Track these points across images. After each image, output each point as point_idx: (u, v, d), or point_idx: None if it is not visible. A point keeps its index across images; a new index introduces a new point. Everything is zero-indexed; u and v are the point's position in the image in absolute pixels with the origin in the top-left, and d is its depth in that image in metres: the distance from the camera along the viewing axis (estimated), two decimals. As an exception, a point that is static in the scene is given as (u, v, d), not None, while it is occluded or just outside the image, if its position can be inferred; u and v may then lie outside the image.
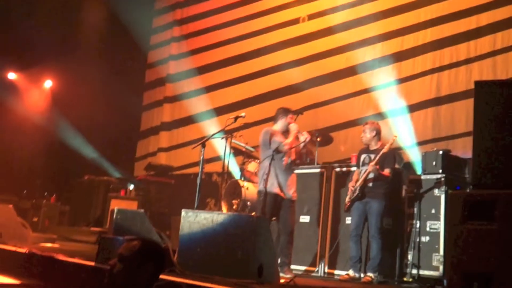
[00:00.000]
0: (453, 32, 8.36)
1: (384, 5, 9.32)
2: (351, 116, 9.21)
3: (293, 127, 6.20)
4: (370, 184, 5.92)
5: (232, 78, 11.51)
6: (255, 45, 11.23)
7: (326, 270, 6.18)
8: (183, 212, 5.21)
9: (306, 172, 6.71)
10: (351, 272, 5.78)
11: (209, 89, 11.82)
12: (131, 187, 10.71)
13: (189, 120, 12.01)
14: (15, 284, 5.08)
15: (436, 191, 5.91)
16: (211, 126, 10.38)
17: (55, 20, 12.38)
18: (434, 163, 6.11)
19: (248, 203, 7.82)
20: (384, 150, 5.93)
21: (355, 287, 4.99)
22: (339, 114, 9.42)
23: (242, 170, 8.34)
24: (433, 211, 5.87)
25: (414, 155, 7.93)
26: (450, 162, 6.13)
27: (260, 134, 6.33)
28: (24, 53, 12.62)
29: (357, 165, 6.19)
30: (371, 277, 5.62)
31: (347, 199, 6.00)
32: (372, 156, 6.00)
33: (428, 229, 5.84)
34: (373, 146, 6.13)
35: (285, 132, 6.26)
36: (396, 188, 6.25)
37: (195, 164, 9.62)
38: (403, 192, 6.23)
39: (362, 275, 5.75)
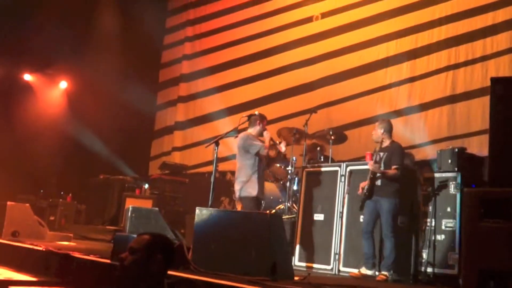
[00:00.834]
0: (469, 29, 8.29)
1: (398, 2, 9.27)
2: (365, 114, 9.18)
3: (267, 133, 6.66)
4: (378, 183, 5.89)
5: (245, 77, 11.52)
6: (268, 44, 11.23)
7: (340, 268, 6.16)
8: (197, 210, 5.24)
9: (320, 170, 6.69)
10: (363, 270, 5.77)
11: (223, 88, 11.85)
12: (146, 186, 10.77)
13: (202, 119, 12.05)
14: (32, 281, 5.14)
15: (451, 189, 5.87)
16: (224, 125, 10.40)
17: (70, 21, 12.46)
18: (449, 161, 6.07)
19: (262, 201, 7.84)
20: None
21: (370, 285, 4.96)
22: (353, 112, 9.39)
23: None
24: (448, 209, 5.83)
25: (429, 153, 7.89)
26: (465, 160, 6.08)
27: (238, 139, 6.63)
28: (39, 55, 12.73)
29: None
30: (385, 275, 5.60)
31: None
32: (382, 154, 5.97)
33: (443, 227, 5.80)
34: (384, 144, 6.10)
35: (259, 138, 6.67)
36: (411, 186, 6.22)
37: (209, 163, 9.65)
38: (418, 191, 6.19)
39: (376, 272, 5.73)
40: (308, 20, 10.69)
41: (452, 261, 5.58)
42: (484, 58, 8.05)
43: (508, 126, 3.67)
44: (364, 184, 5.96)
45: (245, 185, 6.41)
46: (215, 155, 6.56)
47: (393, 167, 5.84)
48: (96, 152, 12.47)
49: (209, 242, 4.81)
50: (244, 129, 8.00)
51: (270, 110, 10.23)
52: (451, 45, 8.46)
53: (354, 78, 9.58)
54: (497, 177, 3.63)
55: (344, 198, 6.43)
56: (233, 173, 9.53)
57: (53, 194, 11.75)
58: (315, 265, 6.32)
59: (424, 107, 8.53)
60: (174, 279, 2.91)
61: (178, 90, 13.19)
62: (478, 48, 8.15)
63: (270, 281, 4.07)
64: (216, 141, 6.40)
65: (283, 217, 6.43)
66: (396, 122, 8.74)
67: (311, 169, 6.93)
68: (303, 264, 6.48)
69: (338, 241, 6.29)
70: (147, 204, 9.53)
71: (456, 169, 5.96)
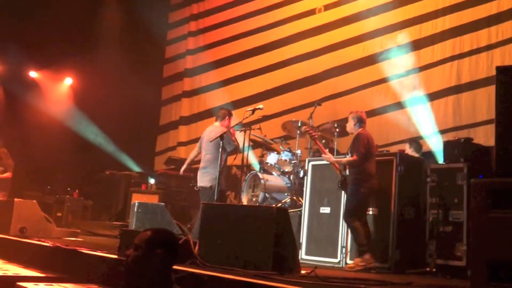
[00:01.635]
0: (473, 18, 8.24)
1: (401, -8, 9.22)
2: (369, 106, 9.13)
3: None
4: (347, 172, 6.08)
5: (249, 71, 11.50)
6: (271, 37, 11.19)
7: (348, 261, 6.15)
8: (203, 205, 5.24)
9: (326, 163, 6.67)
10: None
11: (227, 82, 11.84)
12: (152, 181, 10.80)
13: (207, 114, 12.04)
14: (40, 277, 5.16)
15: (458, 180, 5.83)
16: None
17: (73, 18, 12.47)
18: (455, 151, 6.03)
19: (267, 195, 7.84)
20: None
21: (375, 277, 4.95)
22: (358, 105, 9.30)
23: (261, 162, 8.35)
24: (455, 200, 5.79)
25: (435, 144, 7.86)
26: (472, 151, 6.04)
27: (219, 132, 6.91)
28: (44, 52, 12.75)
29: None
30: (352, 264, 5.78)
31: None
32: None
33: (451, 218, 5.76)
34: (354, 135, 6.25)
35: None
36: (417, 177, 6.20)
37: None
38: (425, 182, 6.16)
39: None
40: (311, 12, 10.64)
41: (460, 253, 5.55)
42: (489, 47, 8.00)
43: (514, 115, 3.63)
44: None
45: (217, 176, 6.77)
46: (220, 150, 6.57)
47: (354, 154, 5.97)
48: (102, 148, 12.50)
49: (215, 237, 4.81)
50: (249, 123, 8.03)
51: (275, 104, 10.24)
52: (455, 35, 8.41)
53: (358, 69, 9.54)
54: (504, 167, 3.59)
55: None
56: (238, 167, 9.54)
57: (59, 190, 11.79)
58: (321, 259, 6.31)
59: (429, 97, 8.49)
60: (181, 274, 2.90)
61: (182, 85, 13.19)
62: (482, 37, 8.10)
63: (276, 275, 4.06)
64: (221, 135, 6.40)
65: (289, 211, 6.42)
66: (401, 114, 8.75)
67: (317, 162, 6.91)
68: (310, 257, 6.47)
69: (345, 234, 6.27)
70: (153, 199, 9.55)
71: (462, 159, 5.91)
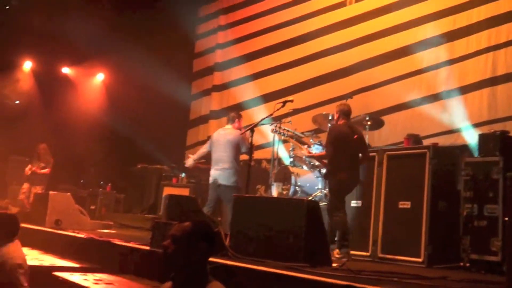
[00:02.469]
0: (510, 8, 8.02)
1: (435, -17, 9.05)
2: (402, 99, 9.04)
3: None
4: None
5: (279, 64, 11.47)
6: (302, 30, 11.13)
7: (379, 254, 6.09)
8: (234, 198, 5.25)
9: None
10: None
11: (257, 76, 11.83)
12: (183, 175, 10.88)
13: (237, 108, 12.00)
14: (75, 267, 5.27)
15: (493, 174, 5.70)
16: (259, 112, 10.39)
17: (104, 14, 12.63)
18: (491, 144, 5.90)
19: (298, 188, 7.82)
20: None
21: (408, 271, 4.89)
22: (390, 97, 9.25)
23: (291, 155, 8.32)
24: (490, 194, 5.66)
25: (469, 137, 7.71)
26: (508, 144, 5.89)
27: (236, 135, 7.48)
28: (76, 48, 12.96)
29: None
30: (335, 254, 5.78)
31: None
32: None
33: (485, 213, 5.63)
34: None
35: None
36: (452, 171, 6.09)
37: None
38: (459, 176, 6.06)
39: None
40: (342, 4, 10.54)
41: (495, 248, 5.43)
42: (527, 38, 7.80)
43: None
44: None
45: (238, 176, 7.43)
46: (251, 143, 6.56)
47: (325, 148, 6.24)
48: (133, 142, 12.66)
49: (246, 229, 4.82)
50: (279, 117, 8.02)
51: (305, 97, 10.19)
52: (491, 25, 8.20)
53: (390, 62, 9.41)
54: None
55: (382, 183, 6.33)
56: (268, 160, 9.54)
57: (92, 184, 12.00)
58: (353, 252, 6.26)
59: (464, 90, 8.32)
60: (213, 265, 2.91)
61: (212, 79, 13.24)
62: (520, 27, 7.89)
63: (308, 267, 4.05)
64: (251, 128, 6.41)
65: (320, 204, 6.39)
66: (434, 107, 8.60)
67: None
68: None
69: (376, 228, 6.21)
70: (184, 192, 9.63)
71: (498, 153, 5.78)
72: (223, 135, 7.68)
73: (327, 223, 5.86)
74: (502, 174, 5.56)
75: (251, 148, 6.42)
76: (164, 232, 4.91)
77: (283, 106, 6.53)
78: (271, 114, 6.69)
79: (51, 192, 8.25)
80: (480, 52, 8.28)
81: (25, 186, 10.31)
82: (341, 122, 6.32)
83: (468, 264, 5.54)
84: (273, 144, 8.55)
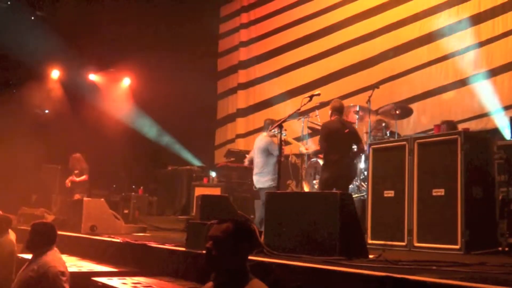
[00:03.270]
0: (535, -13, 7.86)
1: (457, -34, 8.90)
2: (429, 86, 8.93)
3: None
4: None
5: (304, 58, 11.44)
6: (324, 23, 11.08)
7: (415, 243, 6.02)
8: (266, 195, 5.25)
9: (387, 146, 6.55)
10: None
11: (282, 71, 11.81)
12: (213, 174, 10.94)
13: (264, 104, 12.08)
14: (113, 272, 5.34)
15: (527, 156, 5.60)
16: (286, 108, 10.39)
17: (126, 19, 12.77)
18: (523, 127, 5.80)
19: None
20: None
21: (446, 259, 4.83)
22: (417, 85, 9.15)
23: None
24: (525, 176, 5.57)
25: (500, 120, 7.57)
26: (541, 125, 5.79)
27: (265, 141, 8.10)
28: (102, 55, 13.14)
29: None
30: None
31: None
32: None
33: (521, 196, 5.55)
34: None
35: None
36: (484, 155, 5.99)
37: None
38: (492, 160, 5.95)
39: None
40: (364, -6, 10.45)
41: (533, 231, 5.34)
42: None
43: None
44: None
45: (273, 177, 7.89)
46: (279, 139, 6.56)
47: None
48: (162, 144, 12.78)
49: (280, 225, 4.82)
50: (306, 111, 8.02)
51: (331, 89, 10.14)
52: (518, 6, 8.05)
53: (416, 49, 9.32)
54: None
55: (414, 172, 6.26)
56: (298, 156, 9.53)
57: (124, 188, 12.15)
58: (388, 242, 6.21)
59: (492, 73, 8.18)
60: (249, 263, 2.93)
61: (237, 77, 13.27)
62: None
63: (345, 260, 4.04)
64: (279, 124, 6.40)
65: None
66: (463, 92, 8.48)
67: (378, 145, 6.79)
68: (376, 241, 6.38)
69: (411, 217, 6.14)
70: (215, 192, 9.68)
71: (531, 134, 5.68)
72: (257, 142, 8.44)
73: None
74: (537, 156, 5.46)
75: (281, 144, 6.41)
76: (198, 232, 4.94)
77: (310, 100, 6.50)
78: (298, 109, 6.67)
79: (85, 199, 8.37)
80: (507, 33, 8.15)
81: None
82: (333, 118, 6.87)
83: (506, 249, 5.46)
84: (302, 139, 8.54)
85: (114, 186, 12.81)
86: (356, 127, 8.05)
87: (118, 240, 6.45)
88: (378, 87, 7.96)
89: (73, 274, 5.10)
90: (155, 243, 5.79)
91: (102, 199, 8.45)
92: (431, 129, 7.14)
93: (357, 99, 8.81)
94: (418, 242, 6.00)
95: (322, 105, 8.42)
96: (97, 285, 4.66)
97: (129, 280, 4.68)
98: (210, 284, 2.81)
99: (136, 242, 6.07)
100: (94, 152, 11.60)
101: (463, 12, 8.72)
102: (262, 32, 12.66)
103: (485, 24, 8.44)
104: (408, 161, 6.34)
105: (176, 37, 12.90)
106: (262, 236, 4.83)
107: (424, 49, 9.19)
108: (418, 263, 4.03)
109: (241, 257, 2.76)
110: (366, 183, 6.92)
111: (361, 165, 7.81)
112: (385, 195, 6.50)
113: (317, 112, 8.59)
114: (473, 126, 7.75)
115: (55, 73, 13.70)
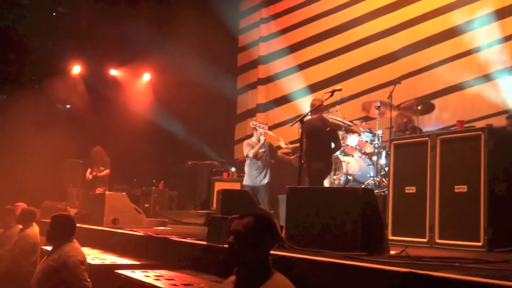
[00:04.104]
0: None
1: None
2: (452, 81, 8.83)
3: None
4: None
5: (324, 53, 11.38)
6: (345, 18, 11.00)
7: (437, 240, 5.98)
8: (288, 190, 5.26)
9: (409, 141, 6.51)
10: None
11: (302, 66, 11.77)
12: (233, 169, 10.97)
13: (284, 100, 12.06)
14: (135, 264, 5.40)
15: (554, 152, 5.50)
16: (306, 103, 10.35)
17: (146, 14, 12.84)
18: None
19: (350, 177, 7.77)
20: None
21: (469, 256, 4.79)
22: (439, 80, 9.05)
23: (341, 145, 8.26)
24: (552, 173, 5.48)
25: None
26: None
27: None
28: (123, 50, 13.24)
29: None
30: None
31: None
32: None
33: (547, 192, 5.46)
34: None
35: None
36: (508, 151, 5.90)
37: (294, 142, 9.66)
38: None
39: None
40: (385, -11, 10.36)
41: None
42: None
43: None
44: None
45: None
46: (301, 134, 6.55)
47: None
48: (183, 139, 12.84)
49: (301, 220, 4.82)
50: (327, 106, 7.99)
51: (352, 84, 10.09)
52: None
53: (438, 44, 9.20)
54: None
55: (436, 168, 6.21)
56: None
57: (145, 182, 12.25)
58: (409, 239, 6.17)
59: (518, 68, 8.06)
60: (271, 257, 2.94)
61: (257, 72, 13.27)
62: None
63: (366, 255, 4.03)
64: (300, 119, 6.38)
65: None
66: (487, 87, 8.37)
67: (399, 141, 6.74)
68: (397, 238, 6.35)
69: (433, 213, 6.09)
70: (235, 186, 9.72)
71: (557, 130, 5.58)
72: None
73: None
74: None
75: (301, 139, 6.39)
76: (219, 227, 4.97)
77: (331, 95, 6.48)
78: (319, 104, 6.66)
79: (107, 192, 8.48)
80: (532, 28, 8.01)
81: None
82: (314, 116, 7.15)
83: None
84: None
85: (135, 180, 12.92)
86: (377, 123, 8.01)
87: (140, 234, 6.52)
88: (399, 82, 7.90)
89: (97, 266, 5.19)
90: (177, 237, 5.85)
91: (124, 193, 8.55)
92: (453, 125, 7.06)
93: (379, 94, 8.75)
94: (440, 238, 5.94)
95: (343, 100, 8.39)
96: (120, 278, 4.73)
97: (152, 273, 4.73)
98: (233, 277, 2.83)
99: (158, 236, 6.13)
100: (115, 147, 11.72)
101: (487, 6, 8.59)
102: (282, 27, 12.63)
103: (510, 19, 8.31)
104: (430, 157, 6.28)
105: (196, 32, 12.95)
106: (284, 231, 4.84)
107: (446, 44, 9.08)
108: (440, 260, 4.00)
109: (262, 251, 2.77)
110: (387, 179, 6.87)
111: (382, 161, 7.76)
112: (407, 191, 6.46)
113: (337, 107, 8.55)
114: (497, 122, 7.63)
115: (76, 69, 13.83)
